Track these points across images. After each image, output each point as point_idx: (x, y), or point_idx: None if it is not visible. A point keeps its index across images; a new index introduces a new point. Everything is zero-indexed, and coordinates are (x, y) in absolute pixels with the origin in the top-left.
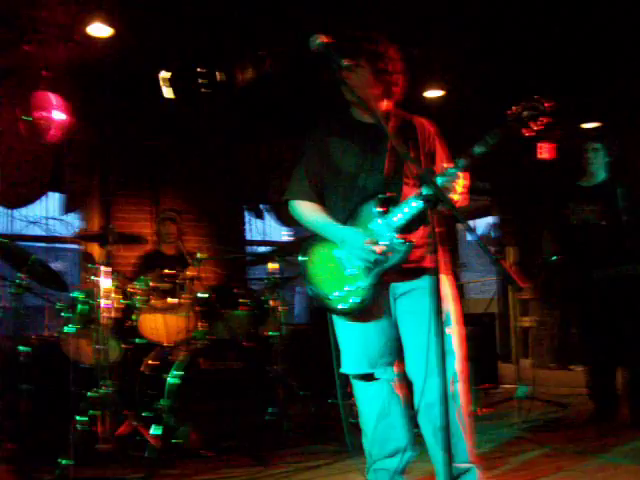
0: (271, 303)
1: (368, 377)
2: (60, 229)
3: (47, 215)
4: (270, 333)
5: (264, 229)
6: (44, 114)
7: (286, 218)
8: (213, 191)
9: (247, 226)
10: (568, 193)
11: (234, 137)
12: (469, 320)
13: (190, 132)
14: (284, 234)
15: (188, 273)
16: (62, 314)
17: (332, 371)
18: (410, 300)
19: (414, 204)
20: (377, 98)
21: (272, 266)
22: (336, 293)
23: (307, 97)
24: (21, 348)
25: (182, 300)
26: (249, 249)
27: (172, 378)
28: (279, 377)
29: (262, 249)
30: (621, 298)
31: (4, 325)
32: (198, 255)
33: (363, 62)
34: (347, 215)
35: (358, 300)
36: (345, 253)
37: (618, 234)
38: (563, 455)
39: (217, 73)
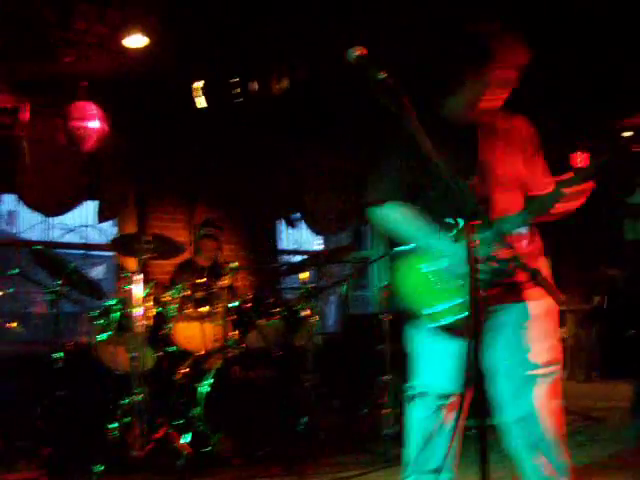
0: (304, 313)
1: (434, 396)
2: (96, 237)
3: (83, 223)
4: (303, 342)
5: (298, 239)
6: (82, 124)
7: (318, 228)
8: (247, 200)
9: (280, 235)
10: (621, 209)
11: (268, 146)
12: None
13: (225, 142)
14: (317, 244)
15: (222, 282)
16: (97, 321)
17: (365, 381)
18: (506, 315)
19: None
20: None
21: (305, 276)
22: (433, 308)
23: (342, 106)
24: (56, 354)
25: (216, 309)
26: (282, 259)
27: (205, 386)
28: (312, 386)
29: (295, 259)
30: None
31: (40, 331)
32: (232, 265)
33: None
34: (440, 224)
35: (460, 316)
36: (446, 266)
37: None
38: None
39: (251, 83)
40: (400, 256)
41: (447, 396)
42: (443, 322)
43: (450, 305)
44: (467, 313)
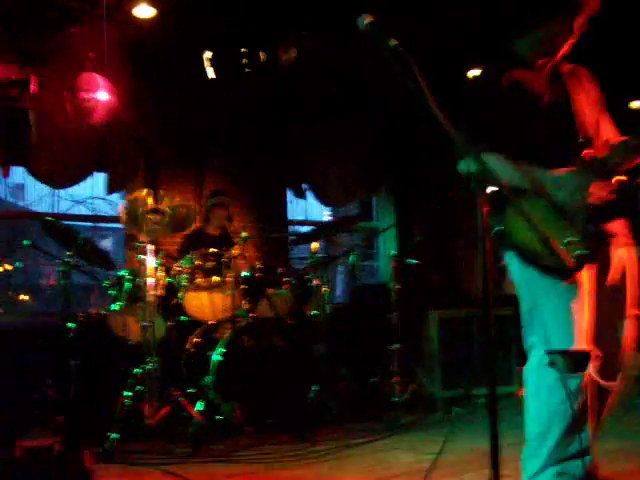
0: (314, 282)
1: (578, 361)
2: (105, 208)
3: (92, 195)
4: (313, 312)
5: (307, 209)
6: (90, 95)
7: (326, 198)
8: (255, 170)
9: (289, 206)
10: None
11: (276, 117)
12: (512, 302)
13: (233, 112)
14: (325, 214)
15: (233, 252)
16: (109, 292)
17: (374, 350)
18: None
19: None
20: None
21: (315, 246)
22: (558, 247)
23: (349, 78)
24: (69, 325)
25: (226, 279)
26: (291, 229)
27: (216, 355)
28: (322, 355)
29: (304, 229)
30: None
31: (51, 303)
32: (243, 234)
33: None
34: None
35: (581, 252)
36: (562, 197)
37: None
38: None
39: (260, 53)
40: (508, 199)
41: (588, 359)
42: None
43: (576, 239)
44: (587, 249)
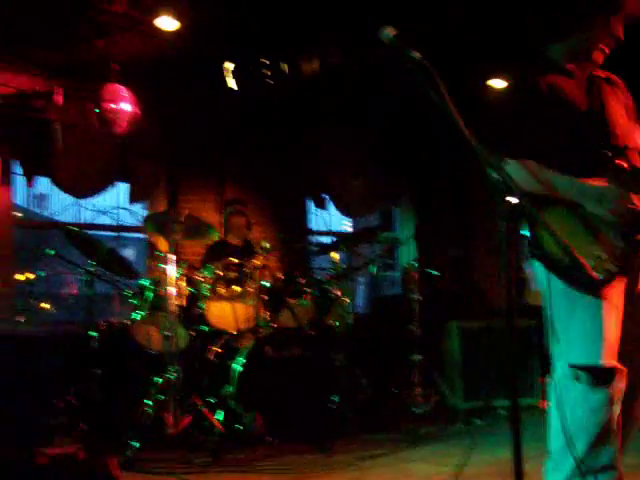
0: (335, 293)
1: (602, 375)
2: (127, 218)
3: (115, 205)
4: (334, 322)
5: (327, 219)
6: (113, 106)
7: (346, 209)
8: (277, 181)
9: (310, 216)
10: None
11: (298, 127)
12: (534, 312)
13: (254, 122)
14: (346, 224)
15: (255, 262)
16: (131, 301)
17: (394, 360)
18: None
19: None
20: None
21: (336, 256)
22: (584, 261)
23: (369, 87)
24: (91, 333)
25: (248, 289)
26: (312, 239)
27: (237, 365)
28: (343, 366)
29: (324, 239)
30: None
31: (74, 312)
32: (265, 245)
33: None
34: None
35: (612, 267)
36: (602, 211)
37: None
38: None
39: (281, 64)
40: (539, 207)
41: (613, 374)
42: (600, 275)
43: (605, 256)
44: (618, 265)
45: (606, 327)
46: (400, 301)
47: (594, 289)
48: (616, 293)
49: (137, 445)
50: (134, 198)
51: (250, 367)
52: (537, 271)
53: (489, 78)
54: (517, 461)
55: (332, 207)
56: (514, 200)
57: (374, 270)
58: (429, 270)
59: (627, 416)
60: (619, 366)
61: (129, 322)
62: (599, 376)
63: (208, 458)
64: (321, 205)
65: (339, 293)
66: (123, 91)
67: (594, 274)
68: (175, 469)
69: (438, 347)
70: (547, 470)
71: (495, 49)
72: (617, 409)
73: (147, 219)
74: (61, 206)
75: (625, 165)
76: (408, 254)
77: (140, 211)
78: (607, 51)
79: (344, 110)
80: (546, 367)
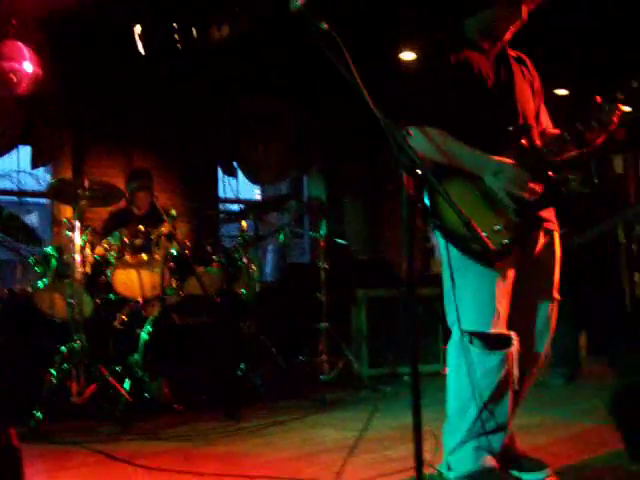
0: (243, 261)
1: (495, 341)
2: (31, 183)
3: (17, 169)
4: (242, 290)
5: (237, 187)
6: (14, 65)
7: (256, 177)
8: (186, 148)
9: (220, 184)
10: None
11: (207, 94)
12: (440, 281)
13: (164, 88)
14: (256, 193)
15: (162, 229)
16: (35, 269)
17: (302, 328)
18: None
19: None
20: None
21: (243, 224)
22: (481, 232)
23: (281, 56)
24: None
25: (155, 256)
26: (221, 207)
27: (144, 333)
28: (251, 333)
29: (234, 207)
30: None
31: None
32: (172, 212)
33: None
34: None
35: (508, 241)
36: (497, 186)
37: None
38: None
39: (192, 29)
40: (442, 178)
41: (508, 340)
42: (496, 246)
43: (500, 228)
44: (515, 237)
45: (498, 298)
46: (308, 270)
47: (488, 260)
48: (510, 265)
49: (40, 415)
50: (36, 162)
51: (156, 335)
52: (437, 240)
53: (401, 51)
54: (417, 425)
55: (241, 175)
56: (419, 169)
57: (283, 238)
58: (337, 239)
59: (520, 379)
60: (508, 333)
61: (33, 290)
62: (492, 342)
63: (115, 427)
64: (231, 173)
65: (247, 261)
66: (25, 50)
67: (490, 245)
68: (81, 439)
69: (345, 315)
70: (445, 432)
71: (408, 21)
72: (516, 372)
73: (51, 185)
74: None
75: (529, 143)
76: (317, 223)
77: (44, 176)
78: (517, 29)
79: (256, 78)
80: (450, 335)
